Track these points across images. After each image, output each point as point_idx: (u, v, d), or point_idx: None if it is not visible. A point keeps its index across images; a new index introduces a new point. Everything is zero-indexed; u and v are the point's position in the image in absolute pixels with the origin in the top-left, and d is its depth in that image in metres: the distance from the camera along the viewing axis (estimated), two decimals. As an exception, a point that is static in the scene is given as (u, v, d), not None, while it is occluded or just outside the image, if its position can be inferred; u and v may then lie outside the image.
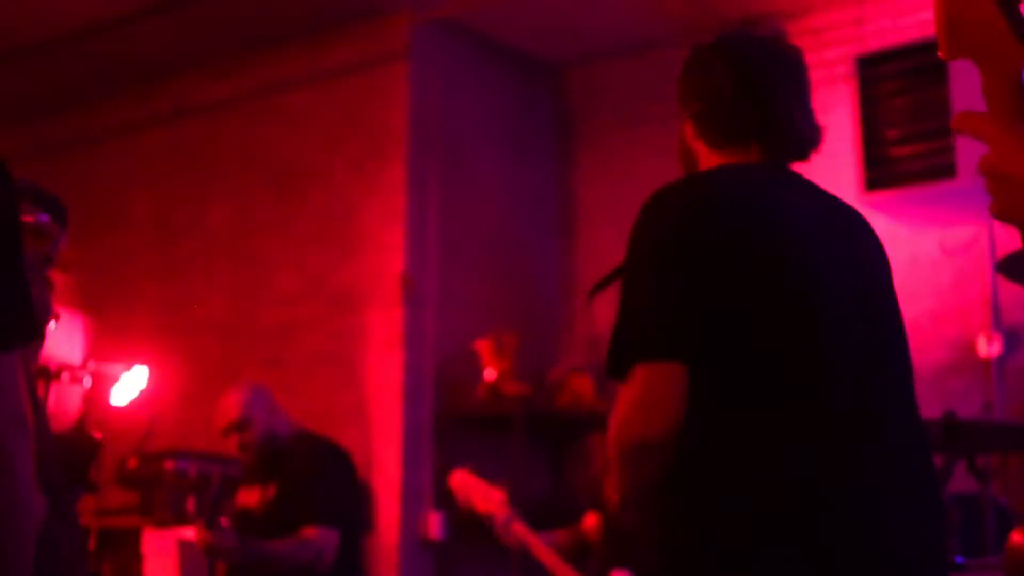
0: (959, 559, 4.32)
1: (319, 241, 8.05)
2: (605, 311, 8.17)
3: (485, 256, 8.13)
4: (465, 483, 5.67)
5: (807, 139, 3.07)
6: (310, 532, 5.29)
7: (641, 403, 2.68)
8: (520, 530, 5.45)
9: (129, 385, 7.01)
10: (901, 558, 2.68)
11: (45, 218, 3.71)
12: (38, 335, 1.89)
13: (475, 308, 7.81)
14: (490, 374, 7.58)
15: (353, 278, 7.80)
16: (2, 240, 1.90)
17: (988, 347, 6.69)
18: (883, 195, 6.59)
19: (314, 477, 5.53)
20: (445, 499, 6.88)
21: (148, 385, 6.78)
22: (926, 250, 7.04)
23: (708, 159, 3.07)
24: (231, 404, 5.67)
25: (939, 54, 1.58)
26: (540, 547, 5.46)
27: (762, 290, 2.74)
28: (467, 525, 7.11)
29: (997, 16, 1.51)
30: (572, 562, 5.61)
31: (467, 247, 7.98)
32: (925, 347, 7.00)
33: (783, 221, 2.83)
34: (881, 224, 7.15)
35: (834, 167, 7.38)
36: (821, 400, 2.70)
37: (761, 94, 3.03)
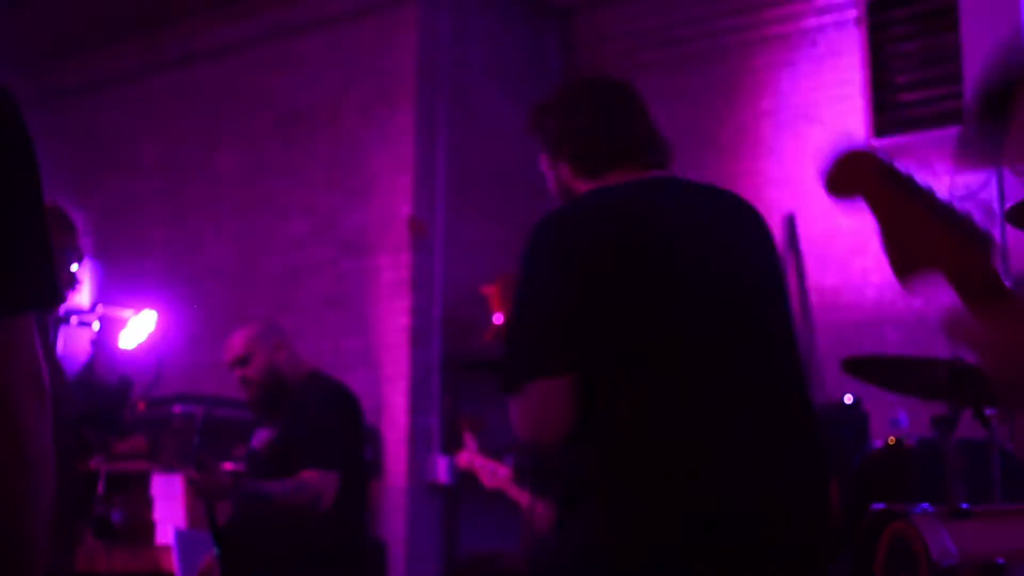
0: (964, 506, 4.34)
1: (327, 185, 8.05)
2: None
3: (493, 200, 8.14)
4: (472, 463, 5.73)
5: (664, 151, 3.51)
6: (309, 475, 5.27)
7: (535, 419, 3.05)
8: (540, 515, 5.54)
9: (137, 329, 7.04)
10: (777, 518, 2.94)
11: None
12: (60, 299, 1.89)
13: (483, 252, 7.82)
14: (499, 318, 7.60)
15: (361, 222, 7.81)
16: (24, 194, 1.89)
17: (996, 294, 6.69)
18: (892, 141, 6.57)
19: (316, 419, 5.50)
20: (453, 444, 6.92)
21: (156, 329, 6.81)
22: (935, 196, 7.02)
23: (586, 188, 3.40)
24: (237, 339, 5.67)
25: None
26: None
27: (629, 286, 3.00)
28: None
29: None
30: None
31: (475, 191, 7.99)
32: (934, 293, 6.99)
33: (648, 222, 3.13)
34: (890, 170, 7.15)
35: (843, 113, 7.38)
36: (688, 377, 2.96)
37: (618, 124, 3.42)
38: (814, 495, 3.12)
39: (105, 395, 3.65)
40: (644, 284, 3.02)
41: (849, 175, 1.96)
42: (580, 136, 3.42)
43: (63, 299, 1.87)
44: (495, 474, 5.61)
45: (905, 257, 1.55)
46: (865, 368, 5.14)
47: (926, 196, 1.65)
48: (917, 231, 1.59)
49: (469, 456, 5.74)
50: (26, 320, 1.83)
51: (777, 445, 3.05)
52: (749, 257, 3.28)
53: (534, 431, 3.07)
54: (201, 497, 5.09)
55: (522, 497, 5.54)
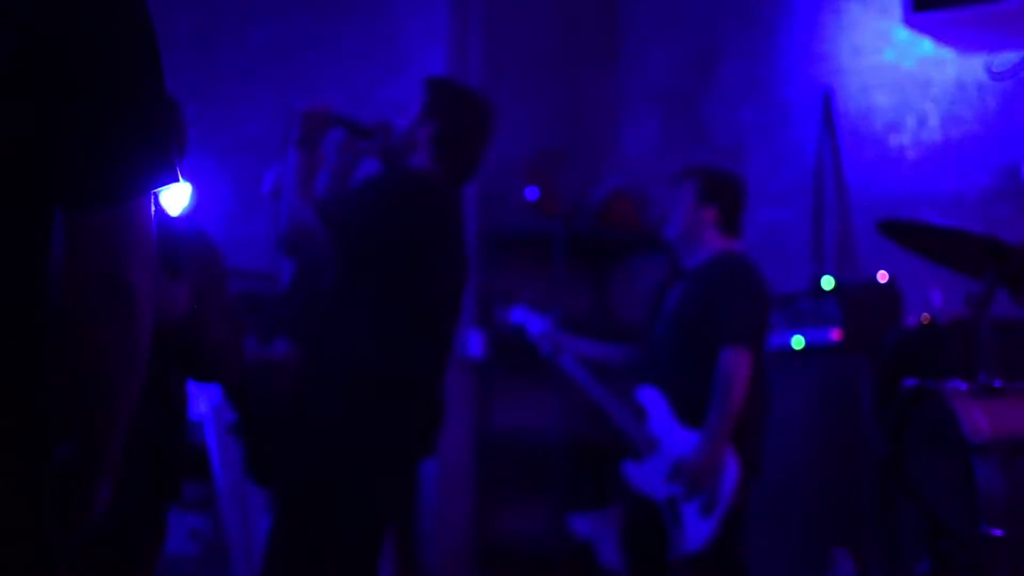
0: (997, 383, 4.35)
1: (362, 60, 8.02)
2: (649, 129, 8.14)
3: (528, 76, 8.10)
4: (521, 316, 5.79)
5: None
6: (279, 345, 5.20)
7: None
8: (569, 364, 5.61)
9: (171, 203, 7.05)
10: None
11: None
12: (176, 179, 1.91)
13: (518, 128, 7.79)
14: (532, 193, 7.59)
15: (396, 97, 7.78)
16: (146, 75, 1.92)
17: (1034, 173, 6.66)
18: (930, 16, 6.50)
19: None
20: (486, 318, 6.95)
21: (190, 204, 6.83)
22: (972, 74, 6.96)
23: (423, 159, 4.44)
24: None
25: None
26: (576, 370, 5.60)
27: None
28: (507, 345, 7.19)
29: None
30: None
31: (510, 67, 7.94)
32: (970, 173, 6.97)
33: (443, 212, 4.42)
34: (927, 47, 7.09)
35: (882, -12, 7.30)
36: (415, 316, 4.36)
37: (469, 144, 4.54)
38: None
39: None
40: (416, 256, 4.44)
41: None
42: (448, 130, 4.60)
43: (177, 180, 1.91)
44: (537, 325, 5.72)
45: None
46: (900, 232, 5.08)
47: None
48: None
49: (521, 311, 5.84)
50: (146, 201, 1.87)
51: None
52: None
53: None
54: None
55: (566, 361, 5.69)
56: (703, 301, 5.32)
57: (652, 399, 5.33)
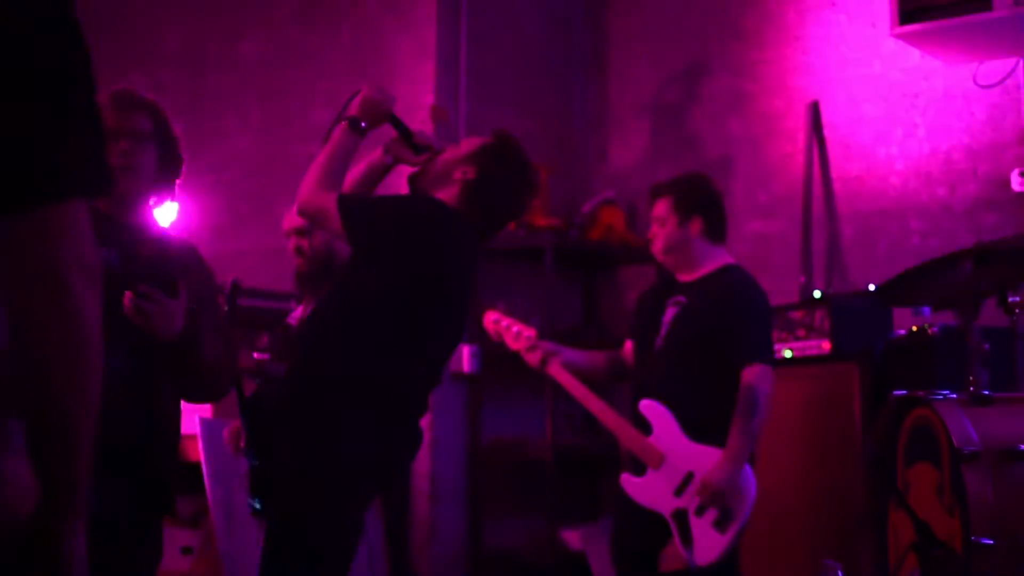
0: (986, 392, 4.36)
1: (350, 74, 8.03)
2: (637, 141, 8.18)
3: (516, 88, 8.12)
4: (498, 323, 5.75)
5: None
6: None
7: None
8: (555, 371, 5.57)
9: (158, 217, 7.05)
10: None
11: None
12: (108, 187, 1.90)
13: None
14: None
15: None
16: (75, 77, 1.92)
17: (1022, 182, 6.67)
18: (917, 28, 6.52)
19: None
20: (477, 332, 6.94)
21: (178, 219, 6.82)
22: (960, 84, 6.99)
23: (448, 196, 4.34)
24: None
25: None
26: (573, 384, 5.56)
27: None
28: (498, 359, 7.19)
29: None
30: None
31: (498, 79, 7.96)
32: (958, 182, 6.98)
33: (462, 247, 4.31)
34: (914, 58, 7.11)
35: (868, 0, 7.32)
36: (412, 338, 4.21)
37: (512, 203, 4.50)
38: None
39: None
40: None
41: None
42: (485, 182, 4.44)
43: (110, 189, 1.89)
44: (520, 335, 5.65)
45: None
46: (895, 290, 5.12)
47: None
48: None
49: (496, 316, 5.77)
50: (75, 206, 1.84)
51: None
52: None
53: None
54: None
55: (532, 358, 5.59)
56: (710, 317, 5.31)
57: (657, 413, 5.32)
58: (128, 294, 3.63)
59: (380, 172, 4.49)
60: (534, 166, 4.52)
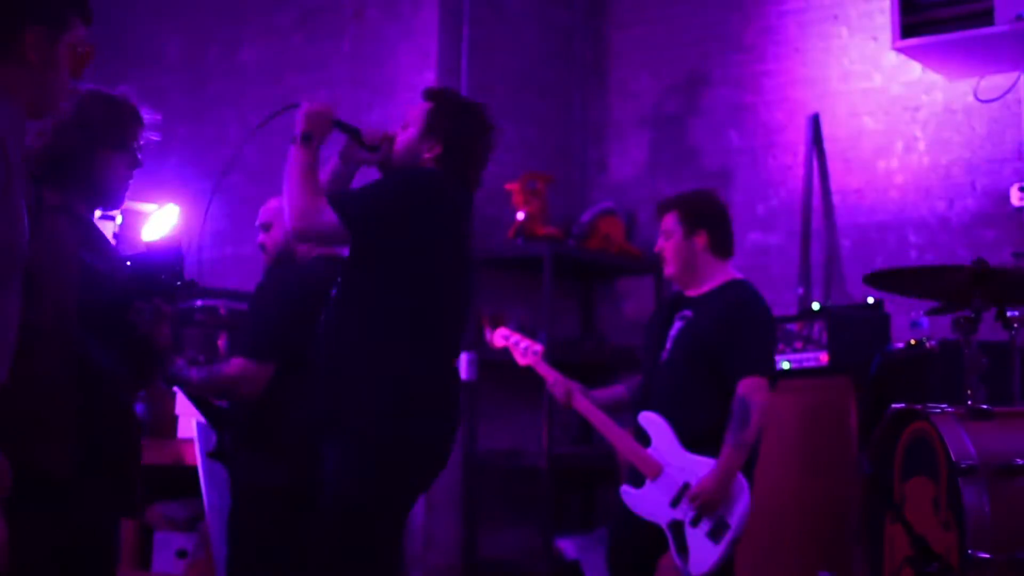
0: (984, 406, 4.36)
1: (352, 83, 8.04)
2: (637, 152, 8.18)
3: (516, 98, 8.12)
4: (508, 339, 5.77)
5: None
6: (234, 362, 5.13)
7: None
8: (577, 400, 5.59)
9: (160, 224, 7.06)
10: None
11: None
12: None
13: (506, 149, 7.80)
14: (521, 216, 7.60)
15: (385, 120, 7.79)
16: None
17: (1021, 197, 6.68)
18: (918, 42, 6.53)
19: (258, 306, 5.31)
20: (475, 340, 6.95)
21: (179, 224, 6.82)
22: (960, 98, 6.99)
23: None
24: (268, 204, 5.60)
25: None
26: (587, 407, 5.58)
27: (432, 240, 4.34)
28: (495, 366, 7.19)
29: None
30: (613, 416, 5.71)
31: (499, 89, 7.96)
32: (957, 196, 6.99)
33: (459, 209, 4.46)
34: (915, 72, 7.12)
35: (869, 13, 7.34)
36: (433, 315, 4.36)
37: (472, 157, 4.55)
38: None
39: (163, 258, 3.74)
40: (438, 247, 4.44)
41: None
42: (454, 144, 4.55)
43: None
44: (528, 351, 5.67)
45: None
46: (887, 280, 5.15)
47: None
48: None
49: (505, 332, 5.79)
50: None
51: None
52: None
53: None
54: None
55: (549, 374, 5.60)
56: (715, 331, 5.31)
57: (655, 424, 5.32)
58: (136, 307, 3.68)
59: (345, 180, 4.57)
60: (476, 104, 4.65)
